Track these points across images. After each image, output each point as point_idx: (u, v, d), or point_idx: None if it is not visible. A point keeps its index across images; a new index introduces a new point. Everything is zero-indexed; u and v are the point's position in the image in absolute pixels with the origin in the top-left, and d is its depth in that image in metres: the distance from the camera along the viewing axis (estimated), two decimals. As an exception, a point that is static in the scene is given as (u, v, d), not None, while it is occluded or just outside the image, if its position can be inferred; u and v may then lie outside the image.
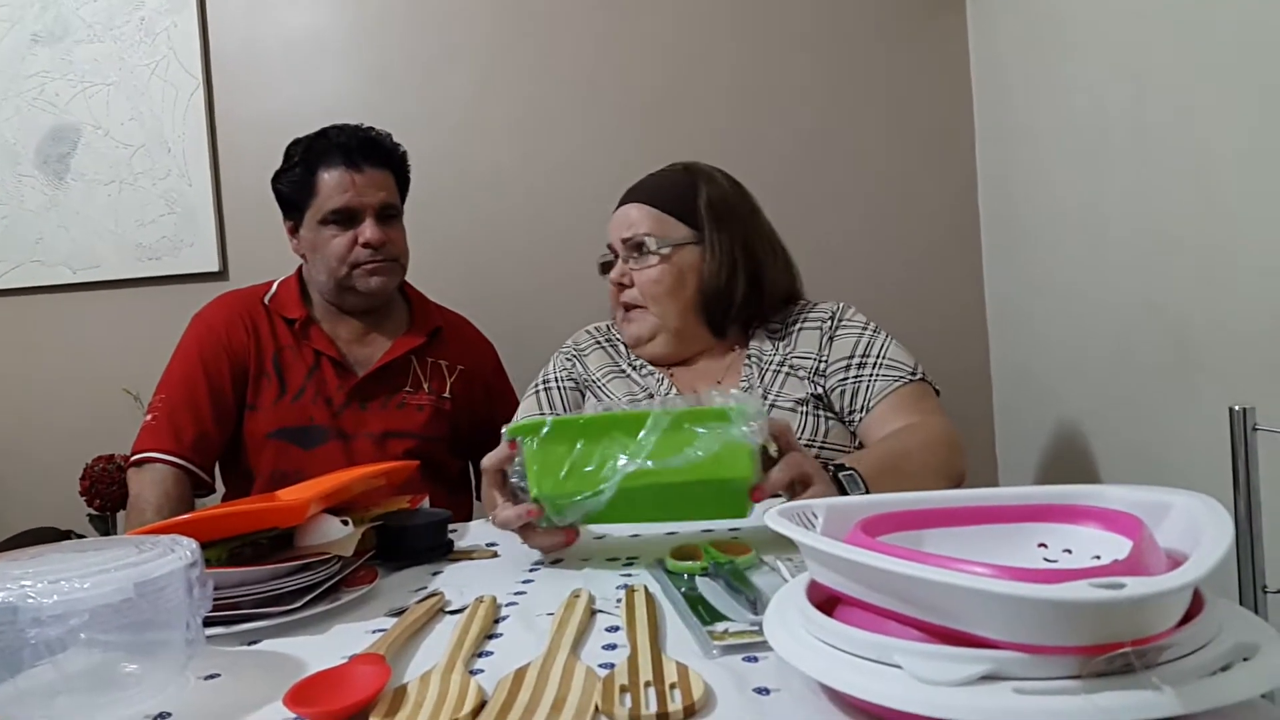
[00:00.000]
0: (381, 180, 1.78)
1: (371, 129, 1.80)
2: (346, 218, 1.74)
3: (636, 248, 1.55)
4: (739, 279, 1.54)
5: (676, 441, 1.00)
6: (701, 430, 1.00)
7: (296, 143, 1.80)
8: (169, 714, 0.69)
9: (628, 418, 1.03)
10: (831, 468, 1.12)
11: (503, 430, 1.08)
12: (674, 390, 1.52)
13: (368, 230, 1.74)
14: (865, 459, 1.20)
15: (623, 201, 1.60)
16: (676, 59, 2.36)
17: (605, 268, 1.62)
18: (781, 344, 1.54)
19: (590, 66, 2.38)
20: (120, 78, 2.43)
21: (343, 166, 1.74)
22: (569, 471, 1.03)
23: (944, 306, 2.31)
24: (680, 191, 1.57)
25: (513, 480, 1.09)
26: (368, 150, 1.76)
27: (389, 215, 1.78)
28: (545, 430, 1.04)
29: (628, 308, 1.58)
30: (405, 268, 1.85)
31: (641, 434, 1.01)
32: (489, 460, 1.11)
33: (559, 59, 2.38)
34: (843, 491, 1.09)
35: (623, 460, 1.00)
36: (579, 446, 1.03)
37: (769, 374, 1.49)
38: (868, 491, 1.10)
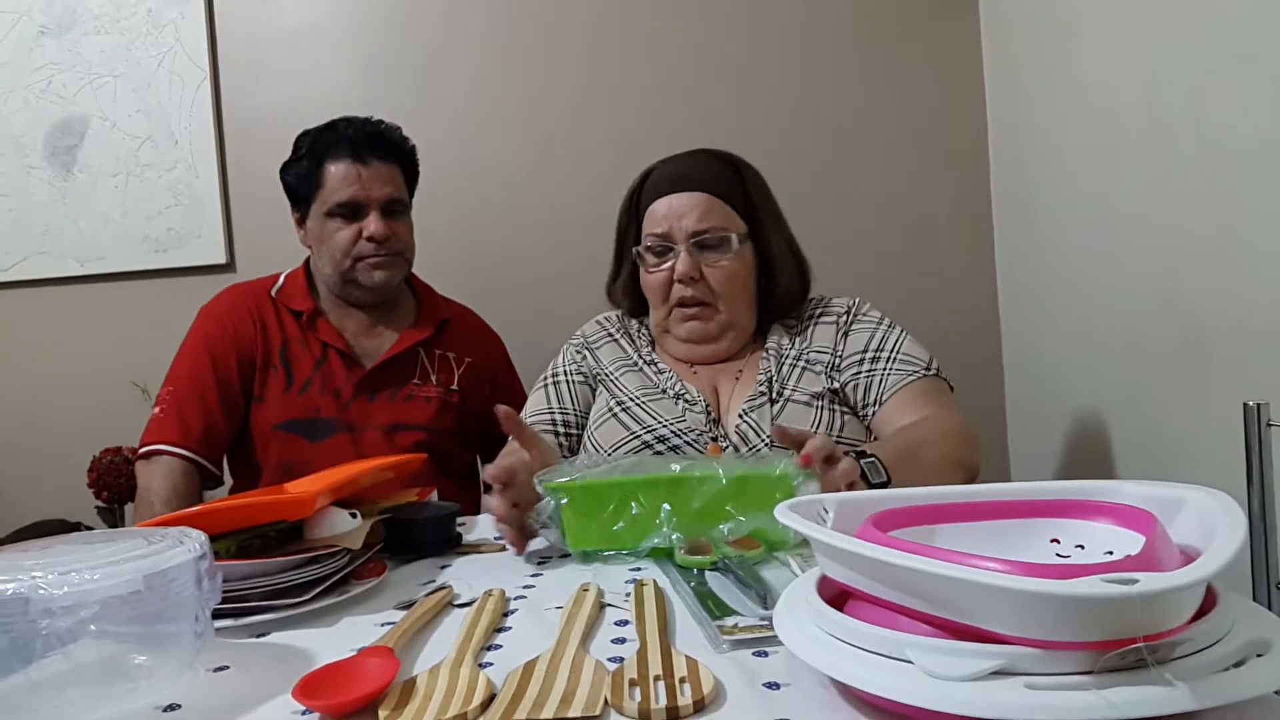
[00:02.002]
0: (388, 174, 1.77)
1: (380, 122, 1.80)
2: (352, 211, 1.74)
3: (713, 242, 1.47)
4: (795, 273, 1.54)
5: (714, 513, 1.03)
6: (741, 516, 1.03)
7: (305, 134, 1.79)
8: (178, 705, 0.69)
9: (664, 483, 1.07)
10: (854, 454, 1.11)
11: (535, 480, 1.09)
12: (684, 384, 1.50)
13: (372, 224, 1.73)
14: (884, 449, 1.19)
15: (674, 188, 1.50)
16: (683, 50, 2.35)
17: (651, 255, 1.52)
18: (797, 338, 1.53)
19: (594, 56, 2.37)
20: (127, 69, 2.42)
21: (349, 159, 1.73)
22: (599, 531, 1.07)
23: (956, 298, 2.30)
24: (729, 181, 1.51)
25: (538, 516, 1.11)
26: (375, 144, 1.76)
27: (395, 210, 1.78)
28: (577, 492, 1.08)
29: (690, 303, 1.50)
30: (410, 262, 1.85)
31: (677, 506, 1.05)
32: (494, 471, 1.12)
33: (563, 49, 2.37)
34: (864, 477, 1.09)
35: (656, 540, 1.04)
36: (610, 509, 1.07)
37: (785, 367, 1.48)
38: (888, 478, 1.10)
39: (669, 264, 1.49)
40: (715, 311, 1.50)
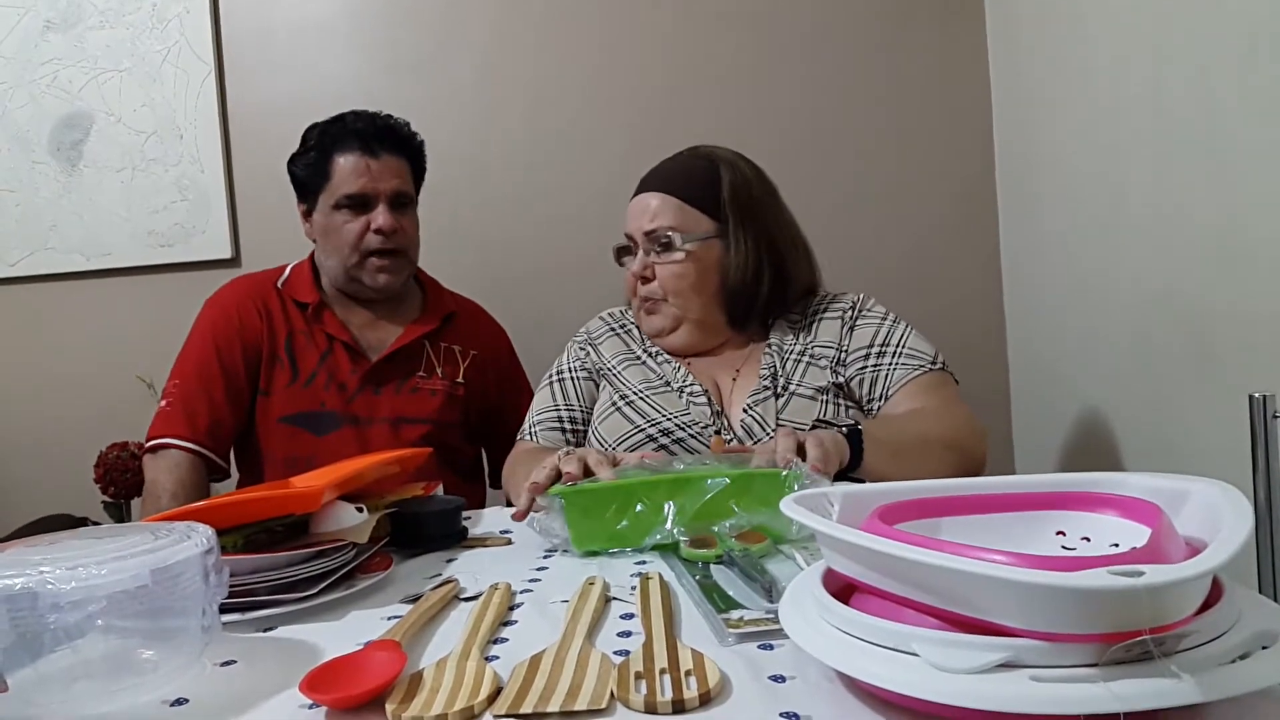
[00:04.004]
0: (397, 167, 1.77)
1: (390, 117, 1.80)
2: (360, 203, 1.74)
3: (660, 242, 1.51)
4: (764, 274, 1.53)
5: (718, 511, 1.04)
6: (740, 510, 1.04)
7: (314, 126, 1.80)
8: (186, 700, 0.69)
9: (665, 483, 1.08)
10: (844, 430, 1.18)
11: (526, 484, 1.12)
12: (691, 378, 1.51)
13: (380, 216, 1.73)
14: (867, 423, 1.24)
15: (642, 189, 1.56)
16: (689, 42, 2.34)
17: (621, 254, 1.59)
18: (802, 334, 1.53)
19: (602, 51, 2.37)
20: (132, 64, 2.43)
21: (358, 152, 1.74)
22: (602, 531, 1.07)
23: (961, 293, 2.30)
24: (703, 182, 1.52)
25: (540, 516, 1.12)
26: (384, 137, 1.76)
27: (402, 203, 1.78)
28: (577, 495, 1.09)
29: (648, 300, 1.55)
30: (414, 260, 1.85)
31: (680, 503, 1.05)
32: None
33: (568, 42, 2.37)
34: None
35: (659, 537, 1.05)
36: (613, 509, 1.07)
37: (790, 363, 1.49)
38: (857, 424, 1.20)
39: (631, 265, 1.56)
40: (666, 306, 1.54)
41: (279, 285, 1.83)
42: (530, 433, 1.56)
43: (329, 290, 1.84)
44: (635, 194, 1.57)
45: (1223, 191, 1.27)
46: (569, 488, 1.09)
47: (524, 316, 2.12)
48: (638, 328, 1.63)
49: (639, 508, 1.06)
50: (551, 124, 2.38)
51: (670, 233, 1.50)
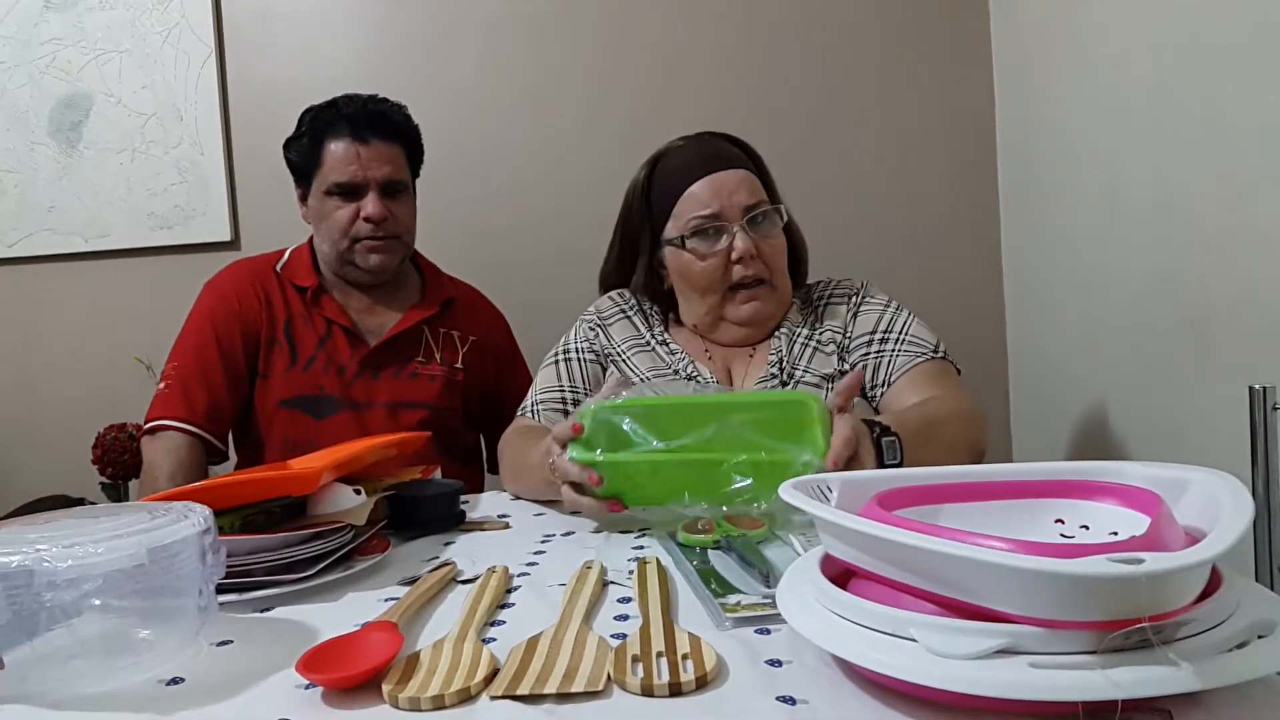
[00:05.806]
0: (389, 154, 1.75)
1: (384, 100, 1.78)
2: (350, 190, 1.72)
3: (763, 218, 1.45)
4: (805, 250, 1.57)
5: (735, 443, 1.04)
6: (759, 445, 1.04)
7: (308, 111, 1.78)
8: (182, 679, 0.70)
9: (689, 406, 1.10)
10: (877, 429, 1.11)
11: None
12: (696, 367, 1.48)
13: (369, 205, 1.72)
14: (903, 424, 1.16)
15: (713, 168, 1.46)
16: (688, 32, 2.33)
17: (701, 242, 1.45)
18: (809, 319, 1.52)
19: (602, 38, 2.35)
20: (133, 45, 2.41)
21: (349, 138, 1.72)
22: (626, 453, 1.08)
23: (961, 283, 2.29)
24: (751, 160, 1.52)
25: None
26: (376, 123, 1.74)
27: (395, 190, 1.76)
28: (608, 409, 1.10)
29: (752, 283, 1.45)
30: (409, 245, 1.84)
31: (702, 435, 1.06)
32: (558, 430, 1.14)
33: (571, 30, 2.36)
34: (880, 457, 1.09)
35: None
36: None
37: (796, 348, 1.47)
38: (901, 461, 1.10)
39: (722, 246, 1.45)
40: (771, 290, 1.48)
41: (278, 269, 1.82)
42: (532, 409, 1.53)
43: (327, 274, 1.83)
44: (704, 173, 1.46)
45: (1224, 181, 1.26)
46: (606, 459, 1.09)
47: (523, 301, 2.12)
48: (645, 313, 1.59)
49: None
50: (551, 109, 2.37)
51: (770, 206, 1.47)
